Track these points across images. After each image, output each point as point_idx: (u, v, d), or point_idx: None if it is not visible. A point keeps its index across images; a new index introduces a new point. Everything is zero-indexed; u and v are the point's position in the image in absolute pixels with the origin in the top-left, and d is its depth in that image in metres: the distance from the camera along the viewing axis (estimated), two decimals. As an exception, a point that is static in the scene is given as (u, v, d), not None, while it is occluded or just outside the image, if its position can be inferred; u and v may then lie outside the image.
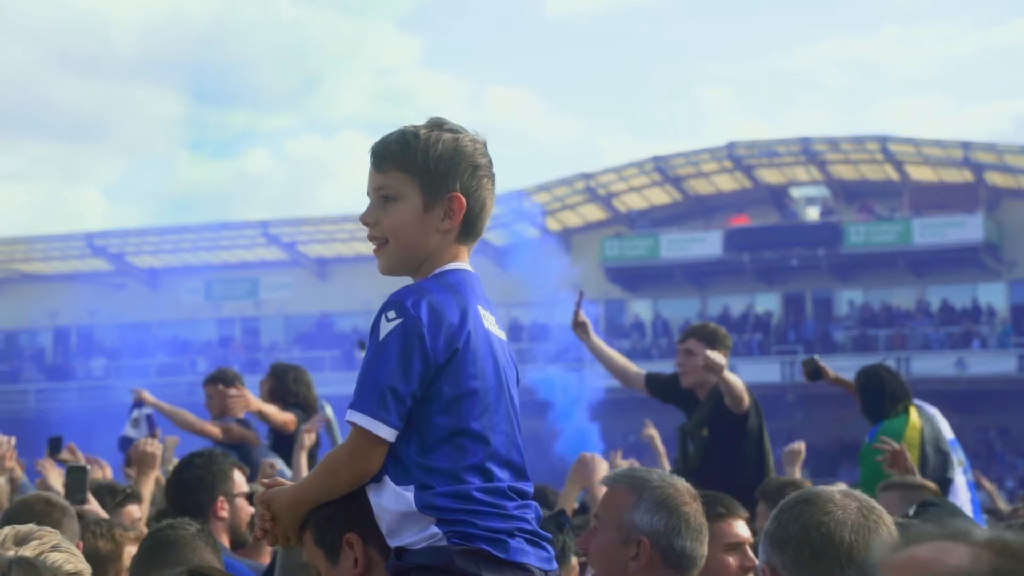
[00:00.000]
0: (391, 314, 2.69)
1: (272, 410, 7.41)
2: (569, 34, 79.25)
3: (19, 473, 6.71)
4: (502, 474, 2.76)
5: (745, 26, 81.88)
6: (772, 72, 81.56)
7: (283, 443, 7.43)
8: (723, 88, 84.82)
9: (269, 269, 44.11)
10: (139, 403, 8.09)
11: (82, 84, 74.69)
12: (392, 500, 2.67)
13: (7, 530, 2.59)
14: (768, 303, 40.74)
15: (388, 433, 2.66)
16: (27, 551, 2.48)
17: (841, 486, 2.94)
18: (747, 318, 39.91)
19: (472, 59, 78.84)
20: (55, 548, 2.54)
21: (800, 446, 7.45)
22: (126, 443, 7.84)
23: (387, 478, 2.68)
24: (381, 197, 2.87)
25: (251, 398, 7.42)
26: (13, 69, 72.06)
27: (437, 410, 2.70)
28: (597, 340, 6.98)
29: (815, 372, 7.63)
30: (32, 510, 4.07)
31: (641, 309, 41.46)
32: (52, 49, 74.89)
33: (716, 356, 6.28)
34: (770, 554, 2.70)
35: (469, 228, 2.87)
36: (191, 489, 4.79)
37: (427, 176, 2.84)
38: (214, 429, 7.67)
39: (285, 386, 7.63)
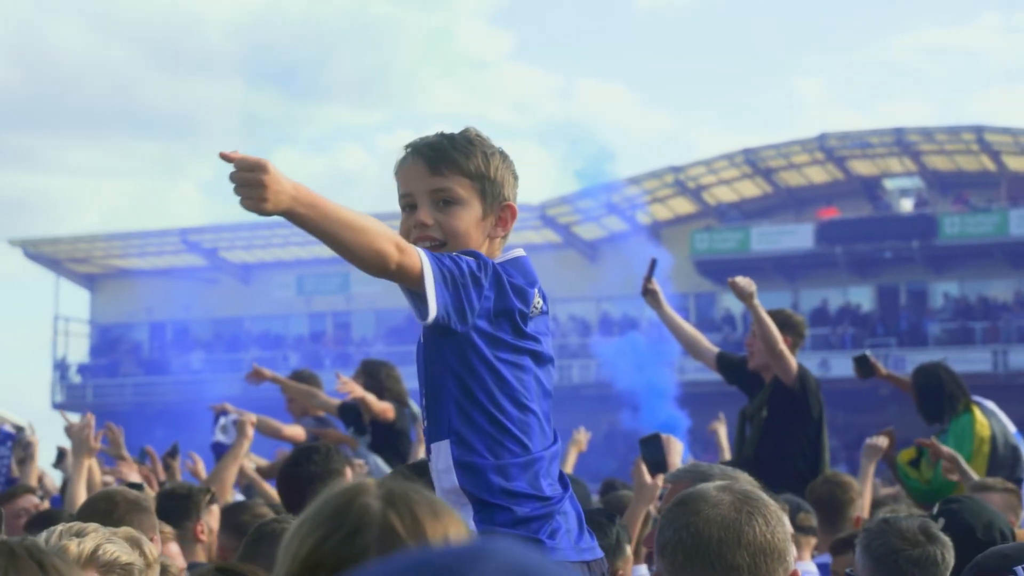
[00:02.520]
0: None
1: (372, 399, 7.49)
2: (660, 27, 78.89)
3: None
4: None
5: (839, 15, 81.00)
6: (866, 62, 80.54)
7: (381, 436, 7.51)
8: (816, 79, 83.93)
9: (360, 264, 44.41)
10: (224, 411, 8.25)
11: (179, 82, 75.70)
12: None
13: (62, 527, 2.64)
14: (861, 296, 40.25)
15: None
16: (89, 543, 2.54)
17: (721, 481, 2.83)
18: (840, 311, 39.48)
19: (563, 53, 78.74)
20: (109, 540, 2.58)
21: (882, 441, 6.85)
22: (219, 449, 7.99)
23: None
24: (440, 200, 2.93)
25: (355, 386, 7.50)
26: (114, 68, 73.28)
27: None
28: (669, 309, 6.88)
29: (867, 368, 7.48)
30: (95, 508, 4.12)
31: (732, 302, 41.12)
32: (149, 48, 76.06)
33: (745, 280, 6.22)
34: (657, 561, 2.63)
35: (507, 235, 3.03)
36: (305, 484, 4.82)
37: (487, 184, 2.96)
38: (297, 431, 7.79)
39: (379, 382, 7.70)
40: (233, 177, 2.60)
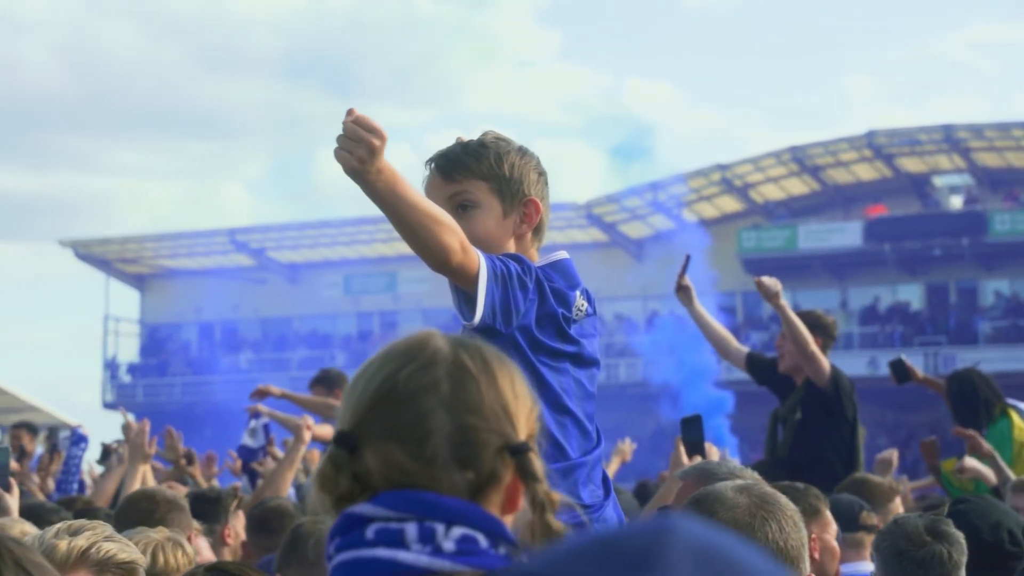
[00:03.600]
0: None
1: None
2: (708, 24, 78.59)
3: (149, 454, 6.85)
4: None
5: (889, 11, 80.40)
6: (916, 58, 79.93)
7: None
8: (865, 75, 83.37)
9: (407, 263, 44.51)
10: (256, 414, 8.28)
11: (227, 82, 76.26)
12: None
13: (61, 524, 2.62)
14: (910, 294, 39.96)
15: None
16: (81, 541, 2.50)
17: (741, 481, 2.80)
18: (889, 309, 39.20)
19: (610, 51, 78.55)
20: (108, 539, 2.55)
21: (892, 455, 7.23)
22: (244, 452, 8.02)
23: None
24: (458, 205, 2.96)
25: (270, 388, 7.53)
26: (163, 69, 73.84)
27: None
28: (700, 307, 6.85)
29: (903, 373, 7.43)
30: (138, 508, 4.12)
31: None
32: (197, 49, 76.62)
33: (771, 280, 6.19)
34: None
35: (538, 230, 3.03)
36: None
37: (503, 182, 2.98)
38: (327, 431, 7.82)
39: None
40: (346, 129, 2.62)
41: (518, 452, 1.64)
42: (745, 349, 7.11)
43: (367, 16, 72.51)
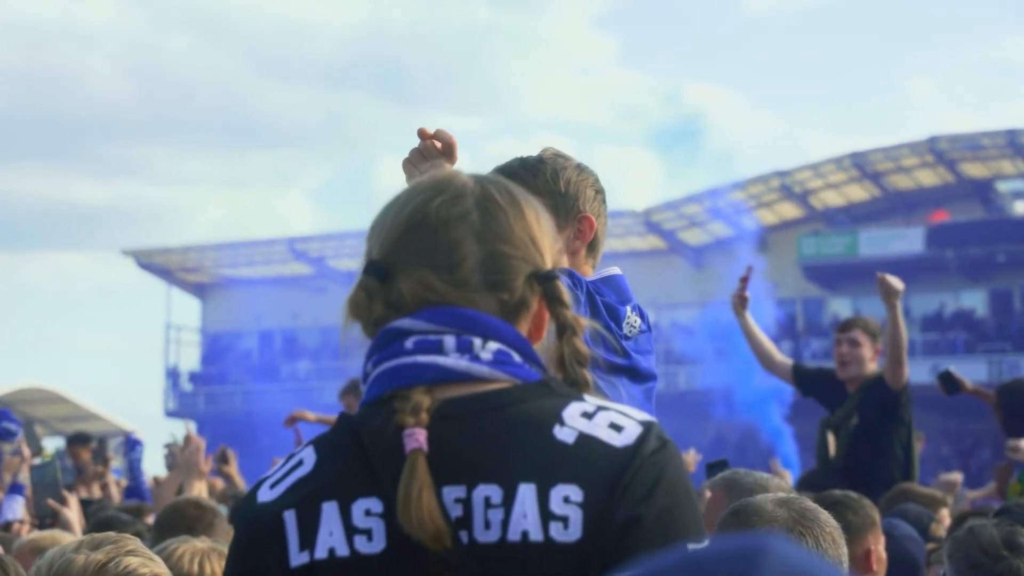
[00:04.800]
0: None
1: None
2: (768, 29, 78.16)
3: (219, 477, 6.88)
4: None
5: (951, 15, 79.67)
6: (979, 62, 79.17)
7: None
8: (927, 80, 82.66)
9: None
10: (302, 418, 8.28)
11: (287, 91, 76.79)
12: None
13: (85, 538, 2.58)
14: (973, 300, 39.54)
15: None
16: (100, 555, 2.46)
17: (783, 494, 2.75)
18: (952, 316, 38.79)
19: (668, 56, 78.34)
20: (130, 552, 2.51)
21: (956, 477, 7.24)
22: None
23: None
24: None
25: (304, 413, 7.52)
26: (224, 79, 74.51)
27: None
28: (751, 319, 6.85)
29: (952, 385, 7.32)
30: (184, 514, 4.11)
31: (840, 308, 40.61)
32: (257, 59, 77.21)
33: (896, 279, 6.15)
34: None
35: (593, 247, 3.02)
36: None
37: (558, 198, 2.98)
38: None
39: None
40: (424, 138, 2.69)
41: (546, 279, 1.67)
42: (789, 361, 7.12)
43: (425, 24, 72.78)
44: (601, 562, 1.51)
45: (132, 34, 74.72)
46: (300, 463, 1.66)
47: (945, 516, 5.42)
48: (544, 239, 1.70)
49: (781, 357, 7.08)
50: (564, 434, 1.57)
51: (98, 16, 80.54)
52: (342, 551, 1.57)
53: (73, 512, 5.25)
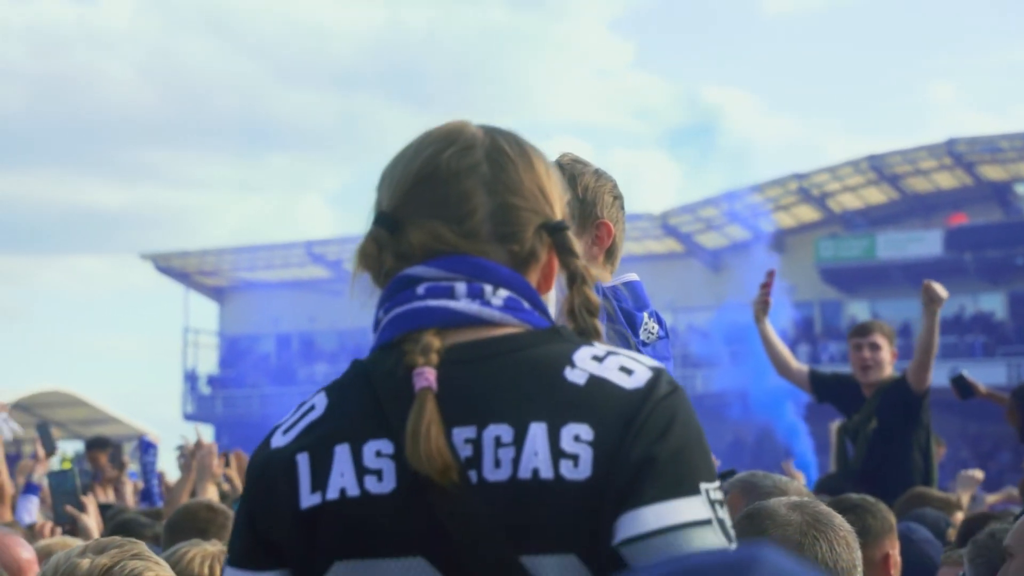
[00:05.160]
0: None
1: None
2: (785, 31, 78.03)
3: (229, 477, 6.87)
4: None
5: (970, 17, 79.43)
6: (998, 65, 78.90)
7: None
8: (947, 82, 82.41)
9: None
10: None
11: (305, 95, 76.97)
12: None
13: (90, 542, 2.58)
14: (992, 303, 39.39)
15: None
16: (104, 559, 2.45)
17: (797, 497, 2.73)
18: (971, 319, 38.66)
19: (686, 60, 78.24)
20: (135, 556, 2.50)
21: (978, 474, 7.20)
22: None
23: None
24: None
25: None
26: (242, 83, 74.67)
27: None
28: (769, 325, 6.86)
29: (966, 389, 7.29)
30: (196, 516, 4.10)
31: (858, 311, 40.51)
32: (276, 63, 77.38)
33: (941, 286, 6.17)
34: None
35: (611, 254, 3.02)
36: None
37: (576, 204, 2.96)
38: None
39: None
40: None
41: (556, 230, 1.68)
42: (805, 367, 7.11)
43: (443, 28, 72.89)
44: (613, 501, 1.52)
45: (150, 38, 74.97)
46: (312, 408, 1.68)
47: (958, 520, 5.41)
48: (554, 190, 1.71)
49: (797, 364, 7.08)
50: (575, 376, 1.58)
51: (116, 21, 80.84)
52: (352, 491, 1.58)
53: (91, 518, 5.26)
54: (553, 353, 1.61)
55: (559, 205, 1.72)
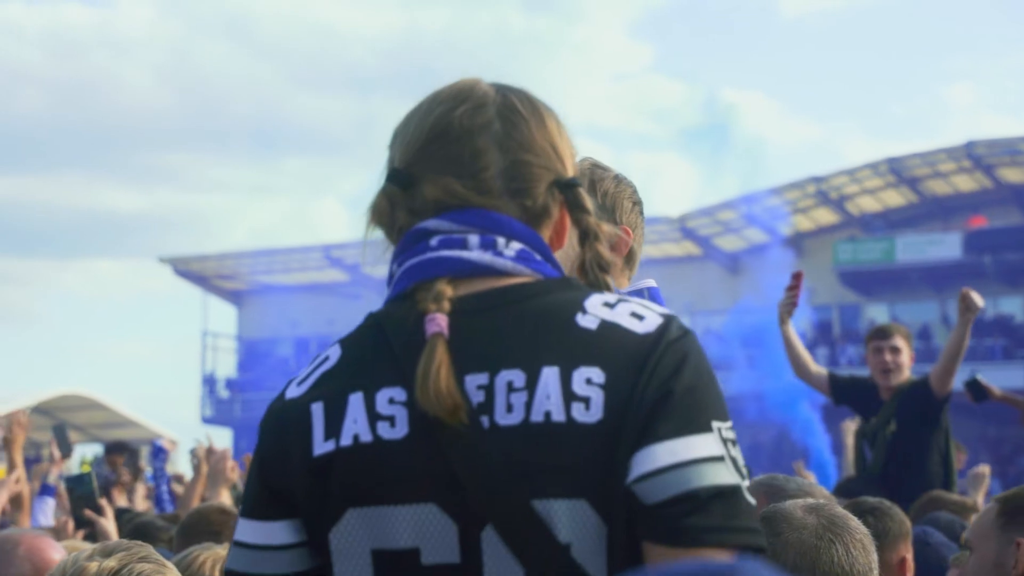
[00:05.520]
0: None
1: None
2: (804, 34, 77.98)
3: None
4: None
5: (989, 19, 79.18)
6: (1017, 67, 78.66)
7: None
8: (965, 84, 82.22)
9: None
10: None
11: (323, 99, 77.16)
12: None
13: (97, 545, 2.58)
14: (1012, 306, 39.24)
15: None
16: (112, 562, 2.46)
17: (812, 500, 2.72)
18: (991, 322, 38.51)
19: (704, 63, 78.22)
20: (143, 559, 2.51)
21: (984, 469, 7.21)
22: None
23: None
24: None
25: None
26: (260, 87, 74.86)
27: None
28: (792, 329, 6.84)
29: (980, 392, 7.26)
30: (209, 520, 4.10)
31: (877, 313, 40.41)
32: (294, 67, 77.55)
33: (979, 296, 6.17)
34: None
35: (630, 259, 2.99)
36: None
37: (596, 210, 2.94)
38: None
39: None
40: None
41: (568, 186, 1.70)
42: (824, 371, 7.08)
43: (461, 32, 72.98)
44: (627, 441, 1.53)
45: (168, 43, 75.21)
46: (326, 359, 1.69)
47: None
48: (565, 147, 1.72)
49: (816, 367, 7.06)
50: (587, 321, 1.59)
51: (135, 26, 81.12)
52: (365, 437, 1.59)
53: (110, 521, 5.27)
54: (565, 300, 1.62)
55: (571, 162, 1.73)
